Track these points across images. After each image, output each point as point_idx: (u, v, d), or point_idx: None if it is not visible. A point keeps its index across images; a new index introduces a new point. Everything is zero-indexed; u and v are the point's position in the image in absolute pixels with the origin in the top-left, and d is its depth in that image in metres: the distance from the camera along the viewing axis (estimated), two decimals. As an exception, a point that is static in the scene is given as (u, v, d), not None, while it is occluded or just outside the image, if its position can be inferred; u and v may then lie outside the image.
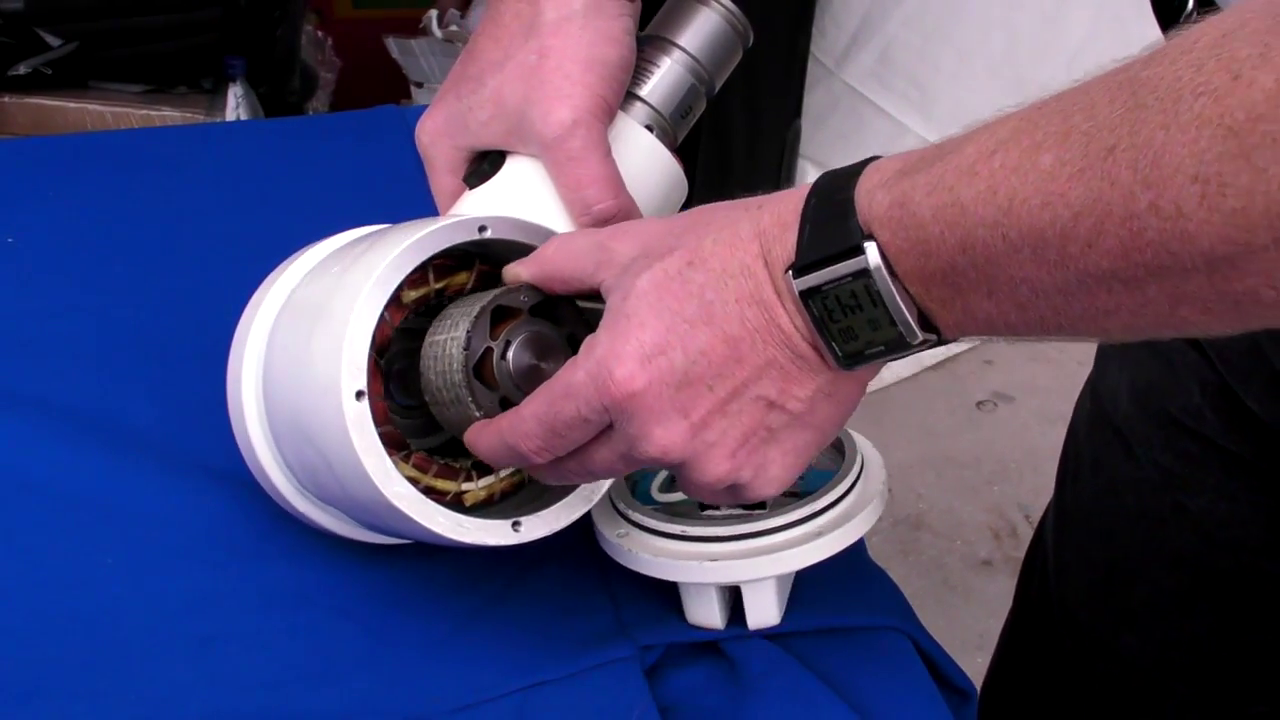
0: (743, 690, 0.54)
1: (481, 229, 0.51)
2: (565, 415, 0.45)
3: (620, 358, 0.43)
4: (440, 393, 0.50)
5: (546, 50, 0.53)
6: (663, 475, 0.60)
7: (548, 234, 0.52)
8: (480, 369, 0.50)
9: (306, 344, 0.50)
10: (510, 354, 0.49)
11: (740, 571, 0.54)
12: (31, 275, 0.79)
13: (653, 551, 0.54)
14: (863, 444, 0.60)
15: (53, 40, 1.69)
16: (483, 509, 0.52)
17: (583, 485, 0.53)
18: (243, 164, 0.96)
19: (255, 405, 0.55)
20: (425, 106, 0.60)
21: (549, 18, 0.54)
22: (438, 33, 2.36)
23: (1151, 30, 0.50)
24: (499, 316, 0.50)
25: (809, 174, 2.19)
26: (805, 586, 0.58)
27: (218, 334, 0.58)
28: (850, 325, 0.41)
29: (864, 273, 0.40)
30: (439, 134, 0.57)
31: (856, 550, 0.62)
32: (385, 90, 2.25)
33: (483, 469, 0.53)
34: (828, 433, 0.46)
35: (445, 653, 0.55)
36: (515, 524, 0.51)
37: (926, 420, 2.12)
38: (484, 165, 0.57)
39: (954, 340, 0.42)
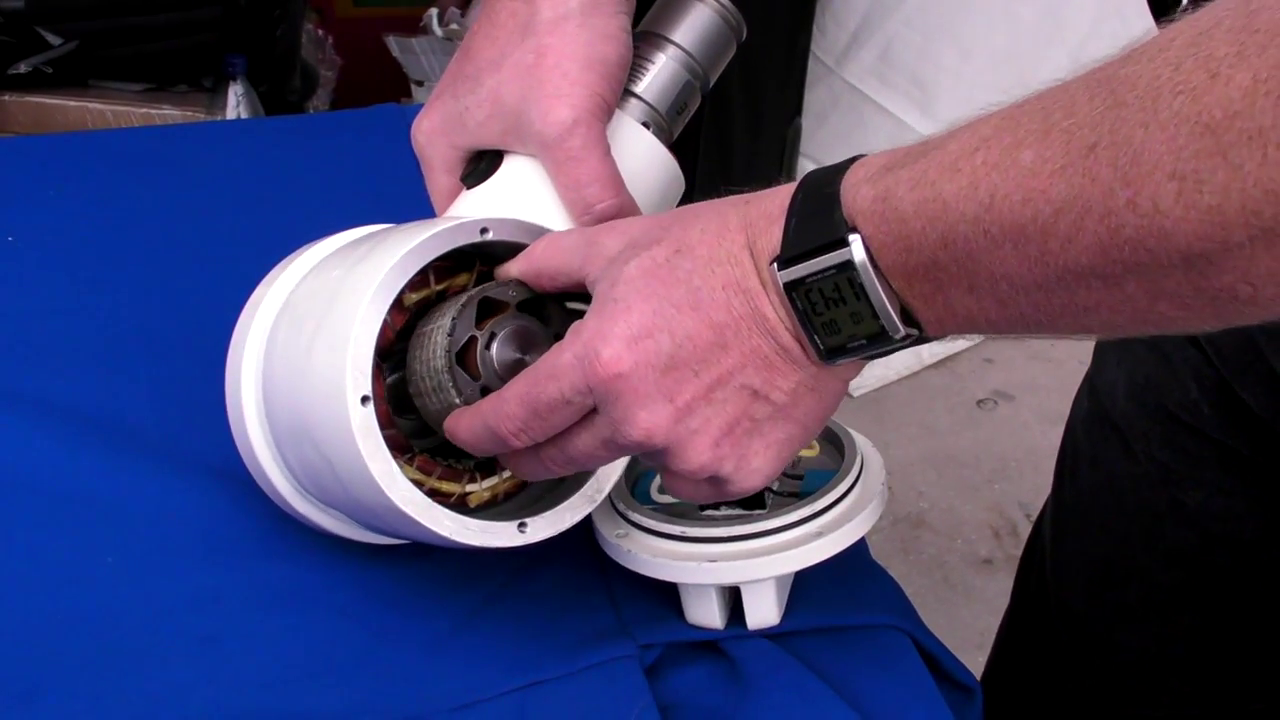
0: (743, 689, 0.54)
1: (484, 231, 0.50)
2: (549, 396, 0.45)
3: (607, 339, 0.43)
4: (423, 381, 0.50)
5: (544, 49, 0.53)
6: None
7: (548, 234, 0.52)
8: (464, 359, 0.50)
9: (309, 349, 0.50)
10: (494, 345, 0.50)
11: (739, 572, 0.54)
12: (31, 274, 0.79)
13: (652, 552, 0.54)
14: (863, 444, 0.60)
15: (53, 39, 1.69)
16: (487, 510, 0.52)
17: (586, 486, 0.53)
18: (243, 163, 0.96)
19: (255, 407, 0.55)
20: (425, 105, 0.60)
21: (545, 16, 0.54)
22: (438, 31, 2.36)
23: (1152, 25, 0.50)
24: (487, 309, 0.50)
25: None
26: (806, 585, 0.58)
27: (218, 333, 0.57)
28: (833, 318, 0.41)
29: (848, 265, 0.40)
30: (435, 133, 0.57)
31: (857, 549, 0.62)
32: (385, 89, 2.25)
33: (486, 470, 0.53)
34: (810, 428, 0.46)
35: (445, 652, 0.55)
36: (521, 525, 0.51)
37: (927, 419, 2.12)
38: (481, 165, 0.57)
39: (936, 337, 0.42)
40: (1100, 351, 0.79)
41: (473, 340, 0.50)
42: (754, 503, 0.57)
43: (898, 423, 2.08)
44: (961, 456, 2.04)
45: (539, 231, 0.52)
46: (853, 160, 0.42)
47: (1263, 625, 0.71)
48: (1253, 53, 0.30)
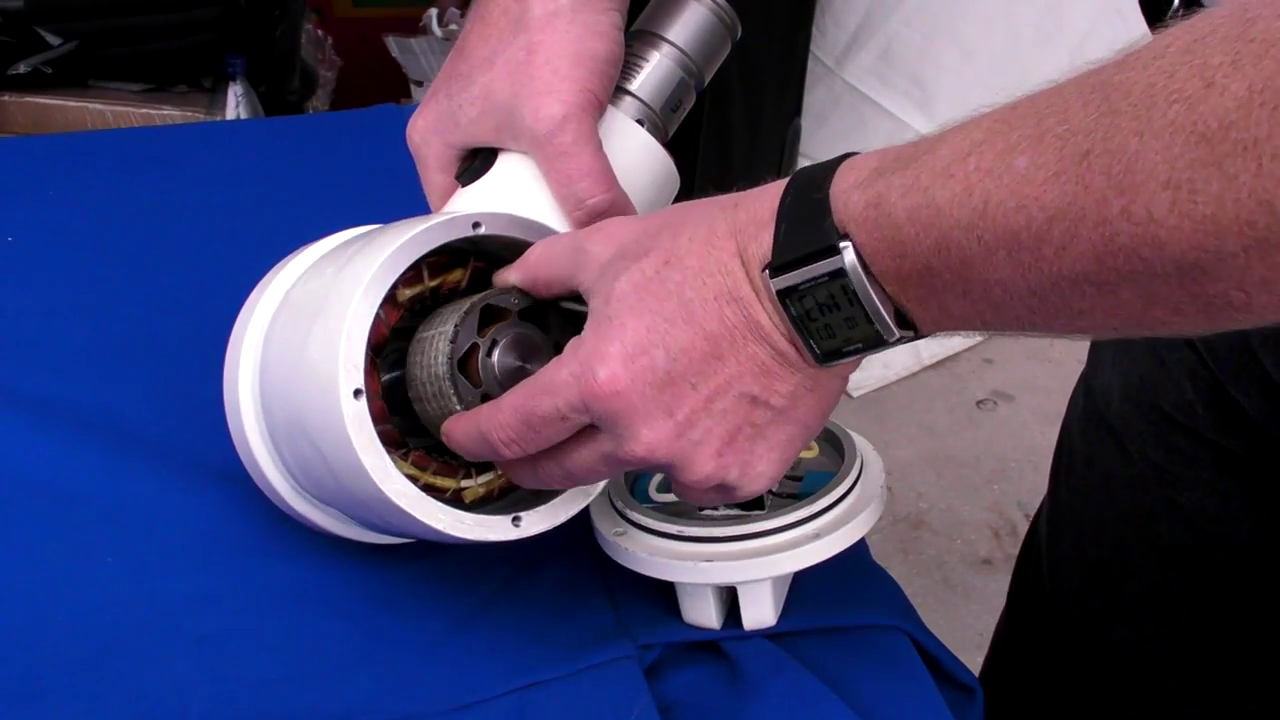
0: (743, 690, 0.54)
1: (476, 225, 0.51)
2: (543, 410, 0.45)
3: (604, 358, 0.43)
4: (424, 386, 0.50)
5: (535, 46, 0.53)
6: (660, 475, 0.60)
7: (542, 229, 0.52)
8: (465, 366, 0.50)
9: (303, 344, 0.50)
10: (496, 353, 0.50)
11: (736, 573, 0.54)
12: (31, 274, 0.79)
13: (649, 551, 0.54)
14: (862, 445, 0.60)
15: (53, 39, 1.68)
16: (482, 505, 0.52)
17: None
18: (242, 163, 0.96)
19: (252, 407, 0.55)
20: (424, 106, 0.60)
21: (536, 14, 0.54)
22: (438, 31, 2.36)
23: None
24: (489, 317, 0.50)
25: (809, 173, 2.18)
26: (805, 586, 0.58)
27: (218, 333, 0.57)
28: (828, 323, 0.41)
29: (840, 273, 0.40)
30: (430, 132, 0.58)
31: (857, 550, 0.62)
32: (385, 89, 2.25)
33: (482, 466, 0.53)
34: (812, 427, 0.46)
35: (444, 652, 0.55)
36: (515, 519, 0.51)
37: (926, 419, 2.12)
38: (475, 163, 0.57)
39: (931, 335, 0.42)
40: (1095, 352, 0.79)
41: (474, 347, 0.50)
42: (753, 503, 0.57)
43: (897, 423, 2.08)
44: (961, 457, 2.04)
45: (532, 226, 0.52)
46: (840, 161, 0.42)
47: (1258, 625, 0.72)
48: (1248, 62, 0.30)
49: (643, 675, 0.54)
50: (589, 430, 0.46)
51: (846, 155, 0.42)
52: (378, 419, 0.49)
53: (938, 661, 0.58)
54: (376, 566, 0.59)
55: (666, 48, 0.58)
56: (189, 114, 1.77)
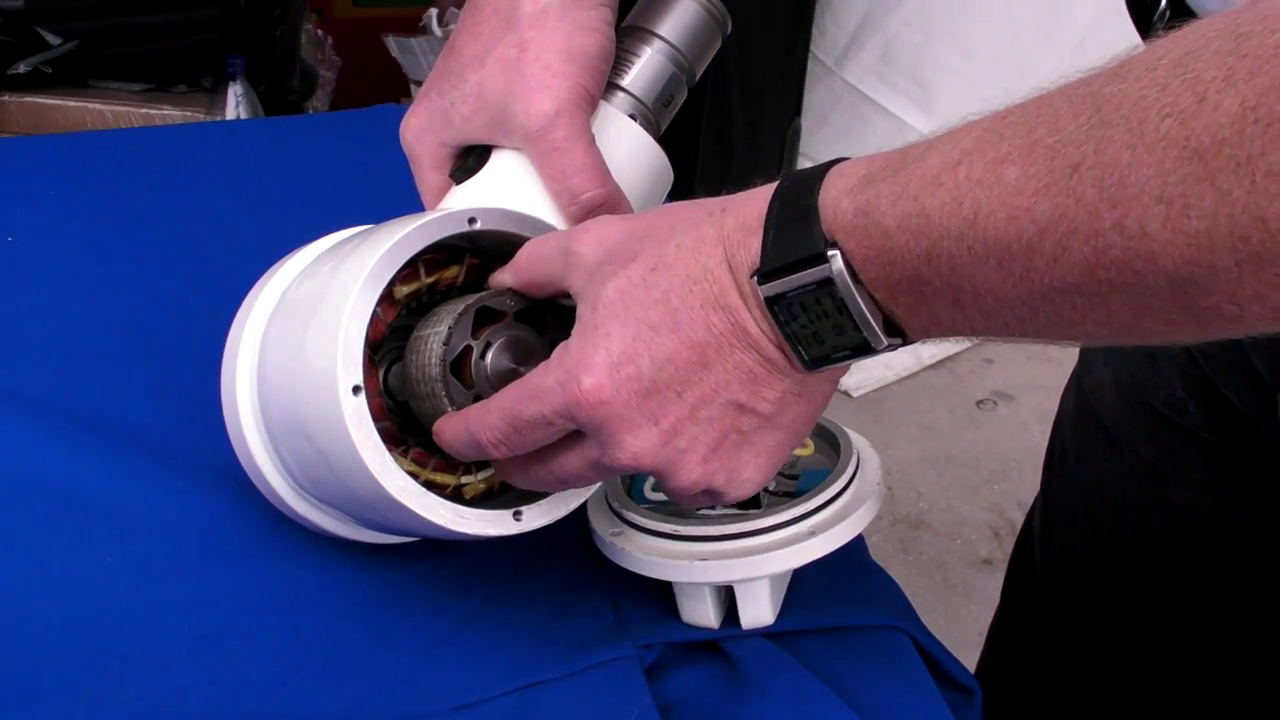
0: (743, 690, 0.54)
1: (472, 221, 0.51)
2: (529, 414, 0.45)
3: (589, 367, 0.43)
4: (418, 386, 0.50)
5: (526, 43, 0.53)
6: None
7: (537, 223, 0.52)
8: (459, 367, 0.50)
9: (301, 342, 0.50)
10: (489, 355, 0.50)
11: (732, 571, 0.53)
12: (31, 275, 0.78)
13: (645, 550, 0.54)
14: (860, 443, 0.59)
15: (53, 39, 1.69)
16: (483, 502, 0.52)
17: None
18: (242, 163, 0.96)
19: (250, 407, 0.55)
20: (423, 106, 0.60)
21: (527, 10, 0.54)
22: (438, 31, 2.36)
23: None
24: (484, 318, 0.50)
25: (809, 173, 2.18)
26: (805, 585, 0.58)
27: (218, 333, 0.57)
28: (816, 330, 0.41)
29: (828, 281, 0.40)
30: (423, 131, 0.58)
31: (856, 549, 0.62)
32: (385, 89, 2.26)
33: (482, 463, 0.53)
34: (799, 431, 0.46)
35: (444, 652, 0.55)
36: (516, 514, 0.51)
37: (927, 419, 2.12)
38: (469, 161, 0.57)
39: (920, 342, 0.42)
40: (1087, 350, 0.79)
41: (468, 349, 0.50)
42: (750, 501, 0.57)
43: (897, 423, 2.08)
44: (961, 457, 2.04)
45: (527, 220, 0.52)
46: (829, 166, 0.42)
47: (1251, 623, 0.72)
48: (1241, 78, 0.30)
49: (643, 675, 0.54)
50: (577, 436, 0.46)
51: (835, 161, 0.42)
52: (376, 416, 0.49)
53: (937, 662, 0.58)
54: (376, 567, 0.59)
55: (658, 43, 0.58)
56: (189, 114, 1.77)
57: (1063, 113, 0.34)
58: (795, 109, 2.17)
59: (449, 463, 0.52)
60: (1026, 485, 1.97)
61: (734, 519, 0.54)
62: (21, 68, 1.70)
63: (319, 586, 0.58)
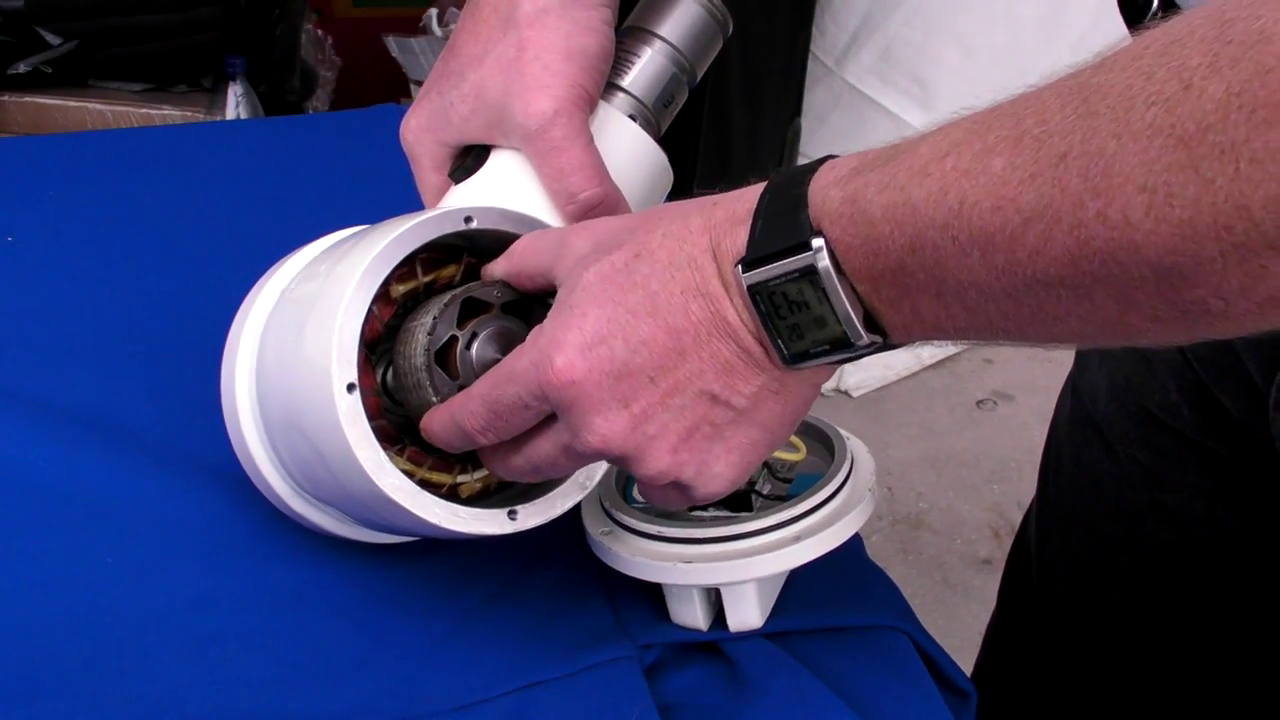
0: (742, 690, 0.54)
1: (468, 220, 0.51)
2: (507, 397, 0.45)
3: (561, 346, 0.43)
4: (405, 378, 0.50)
5: (525, 42, 0.54)
6: None
7: (534, 223, 0.52)
8: (445, 358, 0.50)
9: (297, 341, 0.50)
10: (475, 345, 0.50)
11: (717, 574, 0.53)
12: (31, 274, 0.78)
13: (632, 551, 0.54)
14: (856, 448, 0.59)
15: (53, 39, 1.69)
16: (479, 501, 0.52)
17: (578, 474, 0.53)
18: (242, 163, 0.96)
19: (249, 407, 0.55)
20: (422, 106, 0.60)
21: (526, 10, 0.54)
22: (438, 31, 2.36)
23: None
24: (472, 309, 0.50)
25: (809, 173, 2.18)
26: (803, 586, 0.58)
27: (217, 333, 0.57)
28: (797, 323, 0.41)
29: (811, 270, 0.39)
30: (422, 131, 0.58)
31: (855, 550, 0.62)
32: (385, 89, 2.26)
33: (477, 462, 0.53)
34: (776, 432, 0.45)
35: (443, 652, 0.55)
36: (511, 513, 0.51)
37: (926, 419, 2.12)
38: (468, 160, 0.57)
39: (902, 344, 0.41)
40: (1082, 353, 0.79)
41: (453, 340, 0.50)
42: (741, 505, 0.57)
43: (897, 423, 2.08)
44: (961, 457, 2.04)
45: (524, 220, 0.52)
46: (823, 161, 0.42)
47: (1245, 625, 0.72)
48: (1226, 65, 0.30)
49: (643, 675, 0.54)
50: (550, 420, 0.46)
51: (829, 156, 0.42)
52: (373, 414, 0.49)
53: (934, 663, 0.58)
54: (376, 566, 0.59)
55: (659, 44, 0.58)
56: (189, 114, 1.77)
57: (1050, 104, 0.34)
58: (795, 109, 2.17)
59: (445, 462, 0.52)
60: (1026, 485, 1.97)
61: (721, 522, 0.54)
62: (21, 68, 1.70)
63: (319, 586, 0.58)
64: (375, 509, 0.50)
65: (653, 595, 0.57)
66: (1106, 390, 0.74)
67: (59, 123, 1.73)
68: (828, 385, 2.13)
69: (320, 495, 0.55)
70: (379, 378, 0.52)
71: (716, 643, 0.56)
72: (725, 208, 0.43)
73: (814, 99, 2.19)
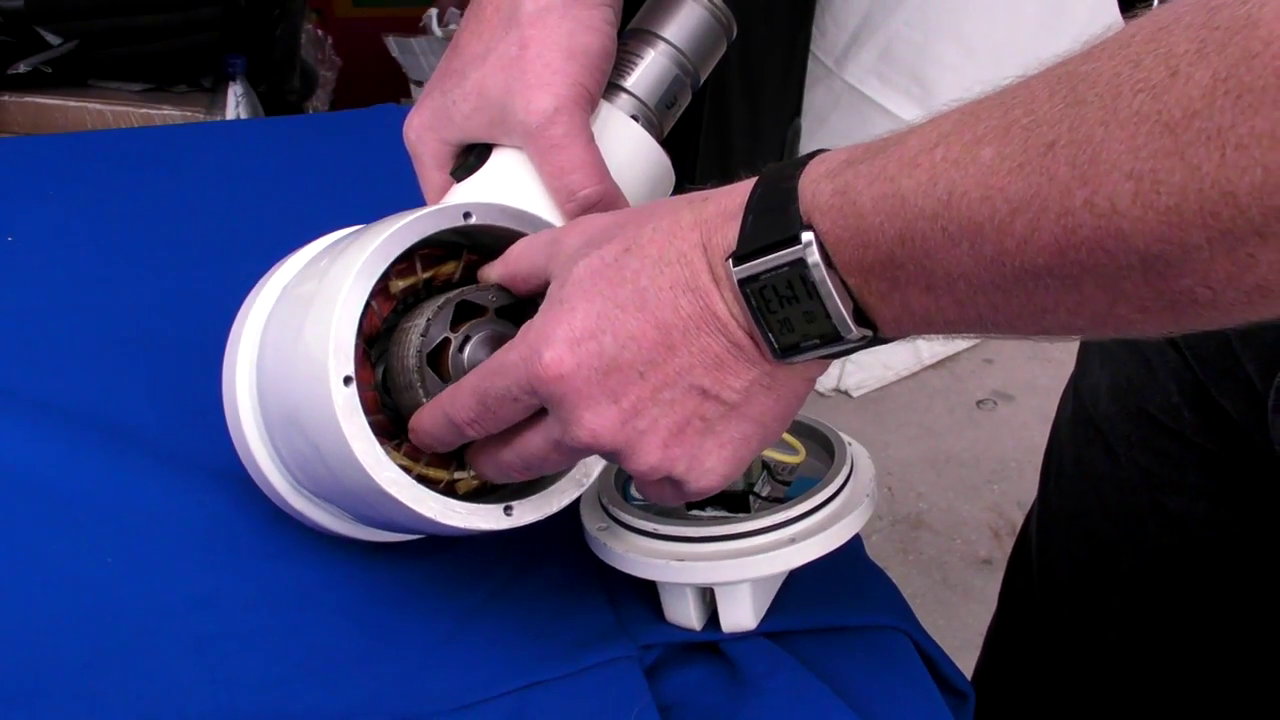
0: (742, 690, 0.54)
1: (467, 216, 0.51)
2: (495, 390, 0.45)
3: (549, 341, 0.43)
4: (399, 378, 0.50)
5: (526, 41, 0.54)
6: None
7: (533, 219, 0.52)
8: (438, 360, 0.50)
9: (296, 336, 0.50)
10: (468, 348, 0.50)
11: (710, 573, 0.53)
12: (31, 274, 0.78)
13: (626, 547, 0.54)
14: (857, 452, 0.59)
15: (53, 39, 1.69)
16: (475, 497, 0.52)
17: (575, 470, 0.53)
18: (242, 163, 0.96)
19: (250, 404, 0.55)
20: (422, 105, 0.60)
21: (528, 9, 0.54)
22: (438, 31, 2.36)
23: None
24: (467, 312, 0.51)
25: (809, 173, 2.19)
26: (804, 586, 0.58)
27: (217, 333, 0.58)
28: (787, 317, 0.41)
29: (800, 263, 0.39)
30: (425, 129, 0.58)
31: (855, 550, 0.62)
32: (385, 89, 2.26)
33: None
34: (769, 427, 0.45)
35: (444, 652, 0.55)
36: (507, 508, 0.51)
37: (926, 419, 2.12)
38: (470, 158, 0.57)
39: (893, 338, 0.41)
40: (1084, 354, 0.79)
41: (447, 342, 0.50)
42: (739, 506, 0.57)
43: (897, 423, 2.08)
44: (961, 457, 2.04)
45: (523, 216, 0.52)
46: (814, 155, 0.41)
47: (1247, 627, 0.72)
48: (1213, 50, 0.30)
49: (643, 675, 0.54)
50: (541, 414, 0.46)
51: (819, 150, 0.42)
52: (371, 409, 0.49)
53: (934, 664, 0.58)
54: (377, 566, 0.59)
55: (662, 45, 0.58)
56: (189, 114, 1.77)
57: (1039, 94, 0.34)
58: (795, 109, 2.17)
59: (442, 458, 0.52)
60: (1026, 485, 1.97)
61: (717, 521, 0.54)
62: (21, 68, 1.70)
63: (319, 586, 0.58)
64: (372, 503, 0.50)
65: (653, 595, 0.57)
66: (1107, 392, 0.74)
67: (59, 123, 1.73)
68: (828, 385, 2.13)
69: (319, 492, 0.55)
70: (375, 373, 0.52)
71: (717, 643, 0.56)
72: (716, 203, 0.43)
73: (814, 99, 2.19)
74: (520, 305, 0.52)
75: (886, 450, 1.99)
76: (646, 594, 0.57)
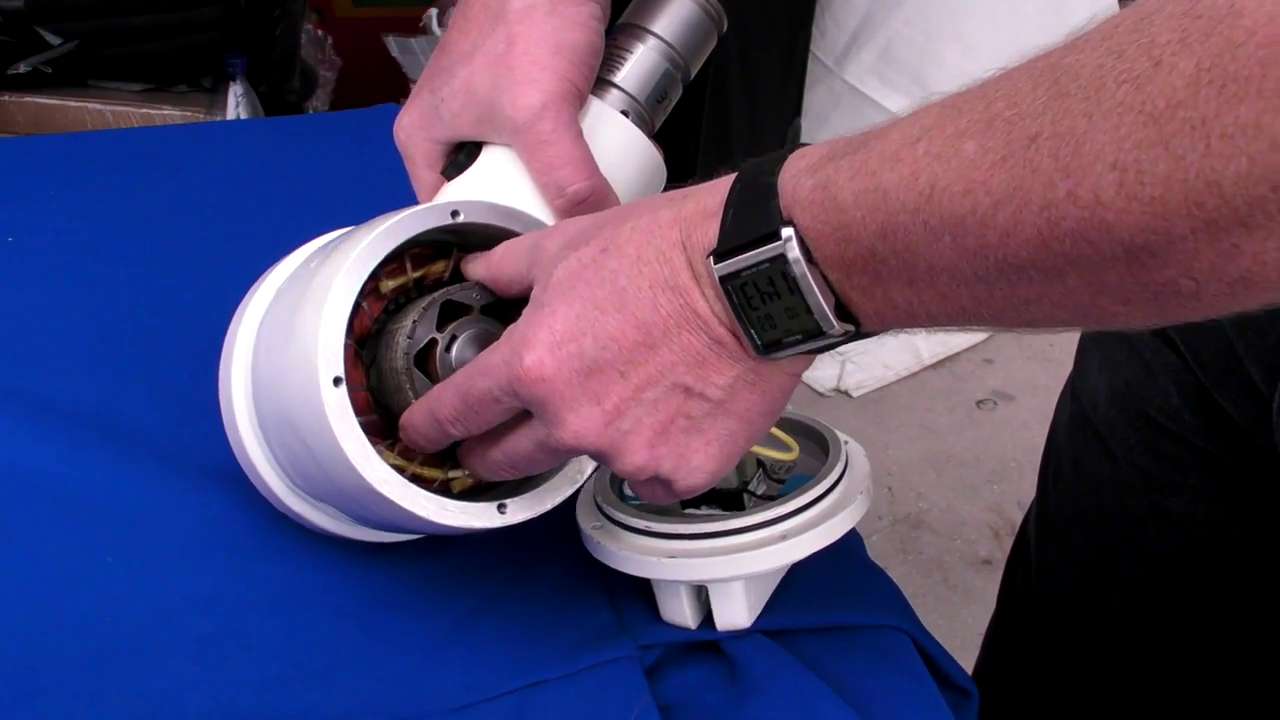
0: (743, 690, 0.54)
1: (455, 214, 0.51)
2: (478, 390, 0.46)
3: (530, 344, 0.43)
4: (388, 380, 0.50)
5: (514, 38, 0.54)
6: None
7: (522, 217, 0.52)
8: (425, 361, 0.50)
9: (286, 337, 0.50)
10: (454, 348, 0.50)
11: (702, 570, 0.53)
12: (31, 275, 0.78)
13: (618, 545, 0.54)
14: (853, 450, 0.59)
15: (53, 39, 1.68)
16: (470, 496, 0.52)
17: (569, 468, 0.53)
18: (242, 163, 0.96)
19: (246, 406, 0.55)
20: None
21: (515, 6, 0.54)
22: (438, 31, 2.36)
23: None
24: (452, 312, 0.51)
25: (809, 173, 2.19)
26: (804, 585, 0.58)
27: (217, 333, 0.58)
28: (769, 313, 0.41)
29: (781, 259, 0.39)
30: (415, 128, 0.58)
31: (855, 549, 0.62)
32: (385, 89, 2.25)
33: None
34: (754, 423, 0.45)
35: (444, 652, 0.55)
36: (501, 507, 0.51)
37: (926, 419, 2.11)
38: (460, 157, 0.58)
39: (877, 333, 0.41)
40: (1082, 356, 0.79)
41: (433, 343, 0.50)
42: (734, 503, 0.56)
43: (897, 423, 2.08)
44: (961, 457, 2.04)
45: (511, 214, 0.52)
46: (793, 149, 0.41)
47: (1246, 629, 0.72)
48: (1195, 39, 0.30)
49: (643, 675, 0.54)
50: (526, 415, 0.46)
51: (800, 145, 0.42)
52: (362, 410, 0.49)
53: (935, 662, 0.58)
54: (376, 566, 0.59)
55: (651, 40, 0.58)
56: (189, 114, 1.77)
57: (1022, 86, 0.34)
58: (795, 109, 2.17)
59: (436, 457, 0.52)
60: (1026, 485, 1.97)
61: (709, 518, 0.54)
62: (21, 68, 1.70)
63: (319, 586, 0.58)
64: (365, 503, 0.50)
65: (653, 595, 0.57)
66: (1106, 394, 0.74)
67: (59, 123, 1.73)
68: (828, 385, 2.13)
69: (314, 492, 0.55)
70: (366, 373, 0.52)
71: (717, 642, 0.56)
72: (696, 200, 0.43)
73: (814, 99, 2.18)
74: (505, 302, 0.52)
75: (886, 450, 1.99)
76: (646, 594, 0.57)
